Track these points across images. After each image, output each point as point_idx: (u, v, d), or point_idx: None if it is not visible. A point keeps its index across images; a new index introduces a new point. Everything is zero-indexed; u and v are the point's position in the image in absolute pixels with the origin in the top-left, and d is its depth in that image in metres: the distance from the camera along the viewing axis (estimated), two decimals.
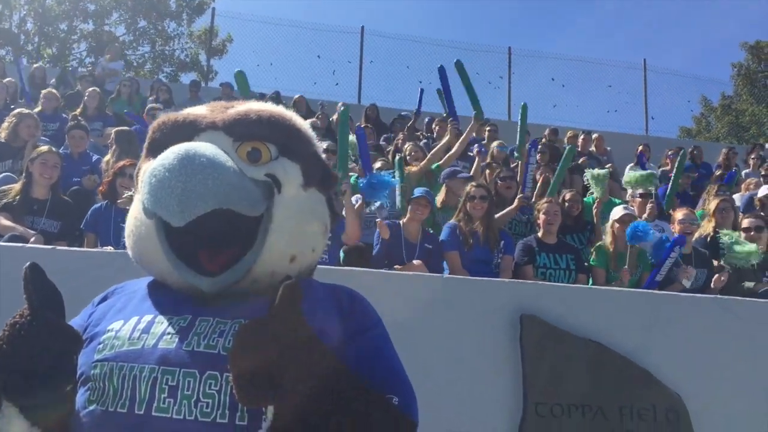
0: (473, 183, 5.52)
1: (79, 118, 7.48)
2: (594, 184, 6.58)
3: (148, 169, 1.22)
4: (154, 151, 1.35)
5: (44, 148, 5.10)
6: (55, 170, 4.94)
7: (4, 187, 4.93)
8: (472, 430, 3.33)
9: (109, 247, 4.27)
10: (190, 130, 1.34)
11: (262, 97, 11.68)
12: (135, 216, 1.35)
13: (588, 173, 6.65)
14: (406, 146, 7.46)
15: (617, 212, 5.51)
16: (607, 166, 10.57)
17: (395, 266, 4.72)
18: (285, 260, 1.32)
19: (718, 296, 4.26)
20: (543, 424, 3.40)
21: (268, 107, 1.43)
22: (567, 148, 6.94)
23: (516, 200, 5.96)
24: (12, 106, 8.26)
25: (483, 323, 3.51)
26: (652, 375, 3.57)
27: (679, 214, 5.71)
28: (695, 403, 3.57)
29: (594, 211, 6.39)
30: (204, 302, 1.26)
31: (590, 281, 5.26)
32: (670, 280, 5.21)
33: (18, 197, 4.74)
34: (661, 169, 10.27)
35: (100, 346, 1.22)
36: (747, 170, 10.24)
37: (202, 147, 1.22)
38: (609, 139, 12.33)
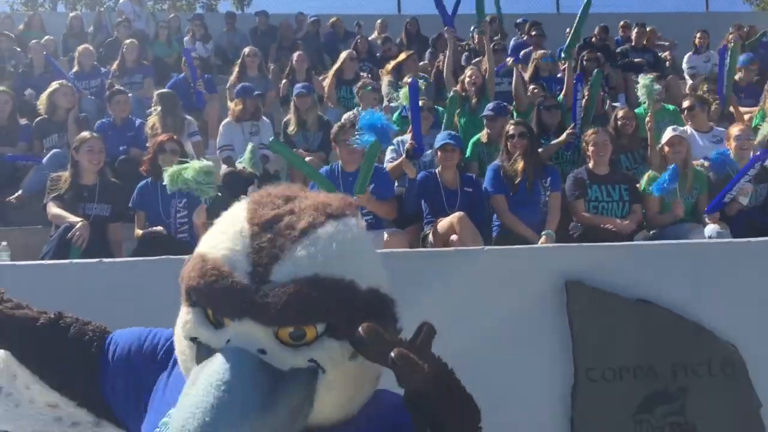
0: (512, 120, 5.35)
1: (116, 86, 7.45)
2: (642, 95, 6.25)
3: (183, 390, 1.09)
4: (191, 302, 1.18)
5: (86, 134, 5.20)
6: (102, 155, 5.10)
7: (53, 175, 5.05)
8: (523, 400, 3.37)
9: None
10: (225, 308, 1.13)
11: (302, 18, 11.44)
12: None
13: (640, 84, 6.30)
14: (467, 71, 6.92)
15: (667, 135, 5.26)
16: (664, 55, 9.99)
17: (438, 219, 4.70)
18: None
19: None
20: (595, 389, 3.41)
21: (320, 279, 1.10)
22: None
23: (564, 135, 5.75)
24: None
25: (528, 292, 3.48)
26: (704, 328, 3.48)
27: (734, 129, 5.40)
28: (752, 352, 3.49)
29: (647, 126, 6.10)
30: None
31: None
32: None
33: (69, 190, 4.88)
34: None
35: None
36: None
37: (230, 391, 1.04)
38: (666, 23, 11.61)
